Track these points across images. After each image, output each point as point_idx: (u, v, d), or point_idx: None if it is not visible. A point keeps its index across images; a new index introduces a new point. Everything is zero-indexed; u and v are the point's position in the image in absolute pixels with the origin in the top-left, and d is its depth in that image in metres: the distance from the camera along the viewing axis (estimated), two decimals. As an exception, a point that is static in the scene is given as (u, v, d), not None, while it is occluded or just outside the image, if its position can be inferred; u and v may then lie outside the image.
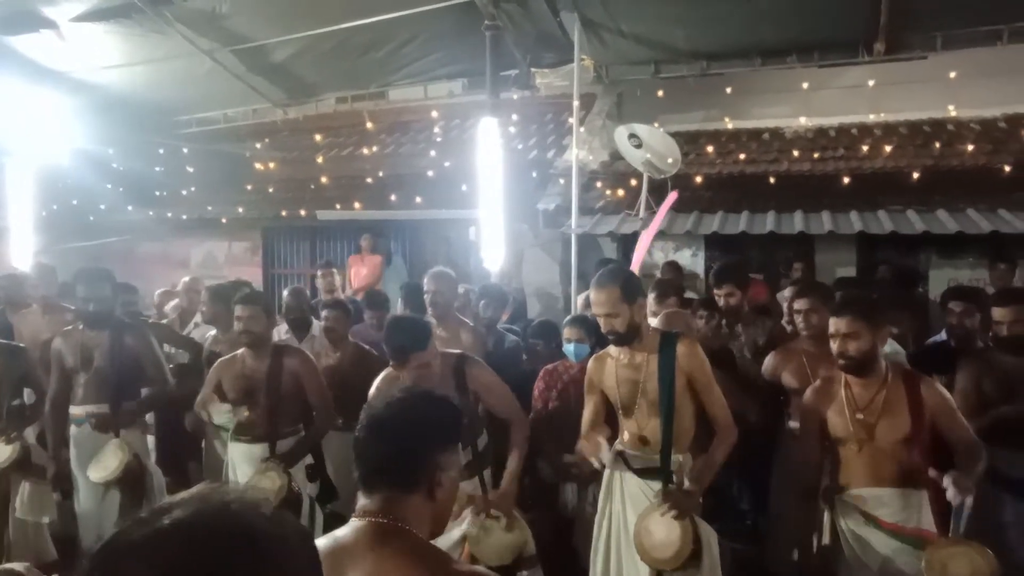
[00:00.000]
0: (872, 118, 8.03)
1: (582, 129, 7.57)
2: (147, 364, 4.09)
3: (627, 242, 7.42)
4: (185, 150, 9.61)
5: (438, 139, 9.26)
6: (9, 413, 4.12)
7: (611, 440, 3.18)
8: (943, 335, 4.19)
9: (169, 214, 9.31)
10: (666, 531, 2.79)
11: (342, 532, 1.53)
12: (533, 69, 7.51)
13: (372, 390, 3.25)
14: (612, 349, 3.11)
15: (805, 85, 8.02)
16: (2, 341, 4.33)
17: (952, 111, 7.77)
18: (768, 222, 6.63)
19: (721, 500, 3.60)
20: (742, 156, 7.81)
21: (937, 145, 7.34)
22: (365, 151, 9.29)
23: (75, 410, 4.05)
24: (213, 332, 4.81)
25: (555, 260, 7.51)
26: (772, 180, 7.25)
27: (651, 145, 6.95)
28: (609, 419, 3.17)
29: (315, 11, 6.63)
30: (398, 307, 5.46)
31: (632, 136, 7.00)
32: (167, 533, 0.79)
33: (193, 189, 9.56)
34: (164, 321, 5.61)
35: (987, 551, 2.49)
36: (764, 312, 4.80)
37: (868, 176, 7.05)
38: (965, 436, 2.78)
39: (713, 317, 4.23)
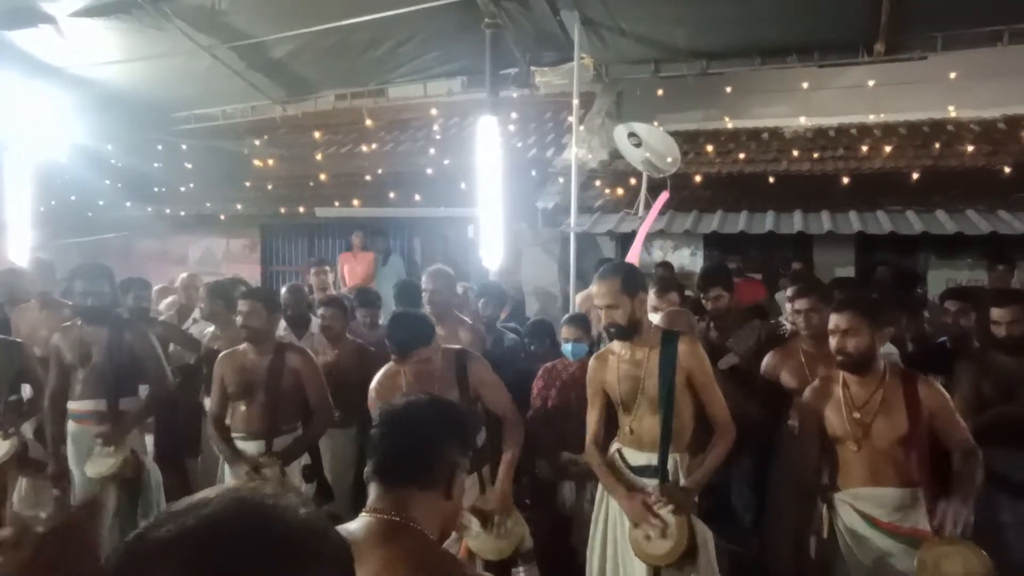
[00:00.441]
0: (872, 118, 8.04)
1: (581, 128, 7.57)
2: (146, 360, 4.08)
3: (626, 241, 7.42)
4: (184, 147, 9.59)
5: (437, 137, 9.26)
6: (7, 408, 4.11)
7: (610, 438, 3.18)
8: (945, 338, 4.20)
9: (167, 211, 9.30)
10: (661, 528, 2.79)
11: (353, 527, 1.53)
12: (533, 67, 7.49)
13: (373, 384, 3.26)
14: (614, 346, 3.11)
15: (805, 85, 8.03)
16: (0, 336, 4.32)
17: (952, 112, 7.77)
18: (767, 222, 6.64)
19: (719, 500, 3.60)
20: (741, 156, 7.81)
21: (937, 146, 7.35)
22: (364, 149, 9.28)
23: (73, 406, 4.04)
24: (211, 329, 4.80)
25: (554, 259, 7.51)
26: (771, 180, 7.26)
27: (650, 144, 6.95)
28: (609, 417, 3.17)
29: (315, 8, 6.61)
30: (393, 305, 5.45)
31: (631, 135, 7.00)
32: (198, 530, 0.77)
33: (192, 186, 9.55)
34: (161, 318, 5.59)
35: (980, 550, 2.49)
36: (761, 313, 4.80)
37: (867, 176, 7.06)
38: (962, 439, 2.77)
39: (701, 319, 4.24)
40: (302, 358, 3.81)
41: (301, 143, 9.83)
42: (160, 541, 0.77)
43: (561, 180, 7.40)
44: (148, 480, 4.01)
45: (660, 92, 8.16)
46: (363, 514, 1.55)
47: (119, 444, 3.85)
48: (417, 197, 7.99)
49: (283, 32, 7.03)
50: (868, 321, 2.78)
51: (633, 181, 7.38)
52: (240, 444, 3.80)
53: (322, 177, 8.95)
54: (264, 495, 0.83)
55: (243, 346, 3.85)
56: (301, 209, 8.56)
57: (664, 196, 6.03)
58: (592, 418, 3.15)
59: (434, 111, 9.51)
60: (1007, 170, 6.64)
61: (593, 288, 3.05)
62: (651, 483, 2.96)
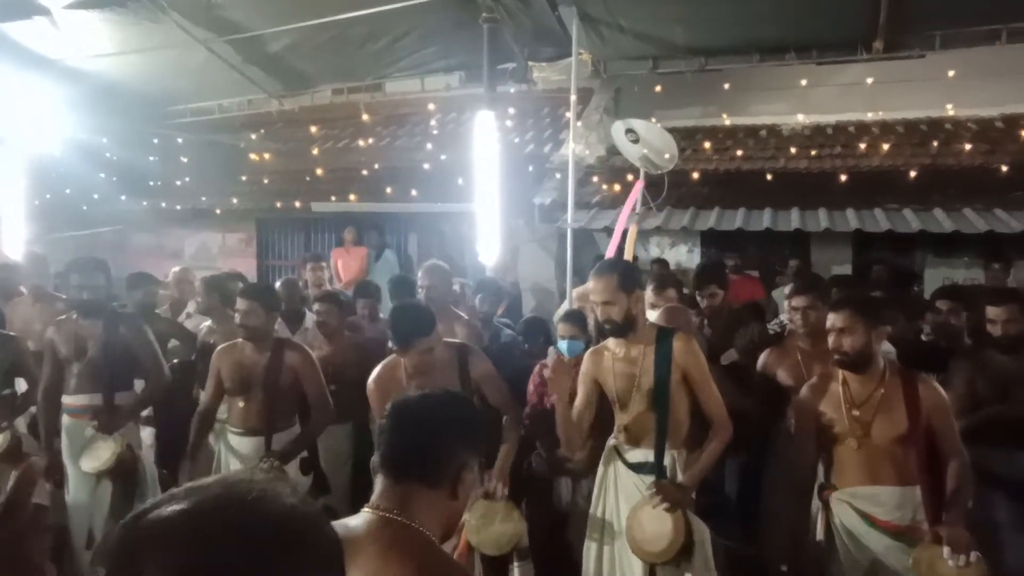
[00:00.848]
0: (870, 116, 8.04)
1: (579, 124, 7.55)
2: (142, 355, 4.06)
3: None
4: (179, 140, 9.55)
5: (434, 132, 9.24)
6: (0, 402, 4.09)
7: (606, 434, 3.17)
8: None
9: (163, 204, 9.26)
10: (658, 524, 2.79)
11: (353, 522, 1.51)
12: (531, 63, 7.47)
13: (373, 375, 3.26)
14: (610, 343, 3.11)
15: (803, 82, 8.02)
16: (-7, 330, 4.30)
17: (950, 110, 7.78)
18: (764, 219, 6.64)
19: (715, 497, 3.59)
20: (739, 153, 7.81)
21: (934, 144, 7.35)
22: (361, 143, 9.25)
23: (68, 400, 4.01)
24: (207, 323, 4.78)
25: (550, 255, 7.50)
26: (769, 177, 7.26)
27: (648, 141, 6.92)
28: (606, 414, 3.16)
29: (312, 2, 6.58)
30: (387, 301, 5.44)
31: (629, 131, 6.97)
32: (191, 516, 0.78)
33: (187, 180, 9.51)
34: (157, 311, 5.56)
35: (980, 557, 2.50)
36: (757, 310, 4.79)
37: (865, 174, 7.06)
38: (954, 446, 2.79)
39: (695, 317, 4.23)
40: (300, 356, 3.79)
41: (297, 137, 9.80)
42: (153, 525, 0.78)
43: (558, 176, 7.38)
44: (143, 474, 4.00)
45: (658, 88, 8.14)
46: (365, 510, 1.53)
47: (113, 434, 3.83)
48: (414, 192, 7.97)
49: (280, 26, 7.00)
50: (865, 320, 2.78)
51: (630, 177, 7.36)
52: (237, 440, 3.79)
53: (318, 172, 8.92)
54: (257, 484, 0.83)
55: (241, 340, 3.83)
56: (297, 204, 8.54)
57: (639, 185, 6.01)
58: (579, 402, 3.14)
59: (431, 106, 9.48)
60: (1004, 169, 6.65)
61: (589, 284, 3.04)
62: (648, 479, 2.95)
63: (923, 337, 4.33)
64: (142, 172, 9.53)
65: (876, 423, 2.79)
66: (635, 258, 6.53)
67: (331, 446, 4.38)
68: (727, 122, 8.50)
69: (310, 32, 7.00)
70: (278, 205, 8.67)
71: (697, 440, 3.04)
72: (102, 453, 3.77)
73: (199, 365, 4.59)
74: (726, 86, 8.10)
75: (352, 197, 8.23)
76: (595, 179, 7.82)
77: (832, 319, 2.85)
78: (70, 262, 4.14)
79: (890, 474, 2.77)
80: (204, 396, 3.92)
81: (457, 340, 3.47)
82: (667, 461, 2.98)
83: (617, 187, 7.54)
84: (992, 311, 3.43)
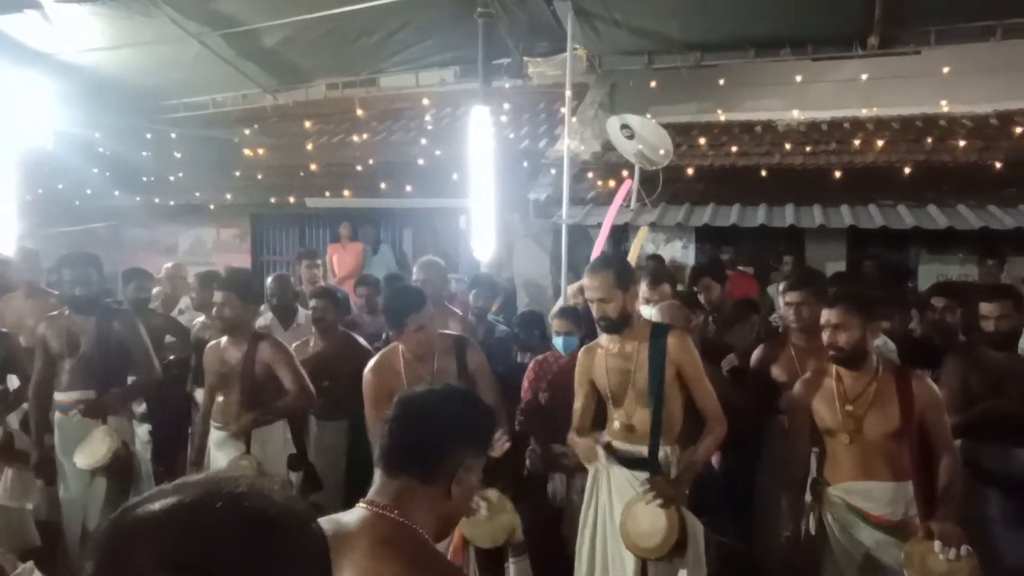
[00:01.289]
0: (865, 112, 8.04)
1: (574, 119, 7.53)
2: (134, 351, 4.04)
3: (618, 233, 7.40)
4: (173, 135, 9.50)
5: (429, 127, 9.21)
6: (-8, 399, 4.08)
7: (598, 431, 3.17)
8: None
9: (156, 200, 9.22)
10: (652, 520, 2.80)
11: (346, 517, 1.51)
12: (526, 58, 7.44)
13: (370, 363, 3.27)
14: (603, 339, 3.11)
15: (798, 78, 8.01)
16: (-15, 325, 4.28)
17: (944, 107, 7.78)
18: (759, 215, 6.63)
19: (708, 493, 3.60)
20: (734, 148, 7.80)
21: (929, 140, 7.36)
22: (355, 138, 9.23)
23: (60, 396, 3.99)
24: (201, 319, 4.76)
25: (545, 251, 7.48)
26: (764, 173, 7.25)
27: (643, 136, 6.93)
28: (598, 410, 3.16)
29: (306, -4, 6.55)
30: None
31: (624, 127, 6.98)
32: (172, 514, 0.79)
33: (181, 175, 9.46)
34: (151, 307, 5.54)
35: (971, 551, 2.51)
36: (753, 307, 4.80)
37: (860, 170, 7.06)
38: (946, 442, 2.80)
39: (696, 314, 4.22)
40: (273, 348, 3.76)
41: (292, 132, 9.76)
42: (142, 519, 0.79)
43: (553, 171, 7.37)
44: (139, 471, 3.98)
45: (653, 84, 8.13)
46: (359, 505, 1.53)
47: (99, 421, 3.83)
48: (408, 188, 7.95)
49: (274, 20, 6.96)
50: (859, 315, 2.79)
51: (625, 173, 7.36)
52: (219, 435, 3.80)
53: (313, 167, 8.89)
54: (246, 481, 0.84)
55: (224, 337, 3.83)
56: (292, 199, 8.51)
57: (627, 184, 6.01)
58: (577, 408, 3.15)
59: (426, 101, 9.45)
60: (998, 166, 6.66)
61: (584, 281, 3.04)
62: (642, 476, 2.95)
63: (913, 333, 4.35)
64: (135, 167, 9.48)
65: (869, 418, 2.80)
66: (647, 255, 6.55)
67: (325, 443, 4.38)
68: (722, 118, 8.49)
69: (304, 26, 6.97)
70: (272, 200, 8.64)
71: (689, 437, 3.04)
72: (97, 449, 3.75)
73: (193, 361, 4.58)
74: (721, 82, 8.09)
75: (347, 193, 8.20)
76: (590, 175, 7.81)
77: (827, 315, 2.85)
78: (62, 257, 4.12)
79: (883, 469, 2.78)
80: (204, 398, 3.93)
81: (456, 333, 3.49)
82: (660, 457, 2.98)
83: (612, 183, 7.52)
84: (985, 307, 3.44)
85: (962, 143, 7.14)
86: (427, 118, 9.43)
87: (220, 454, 3.78)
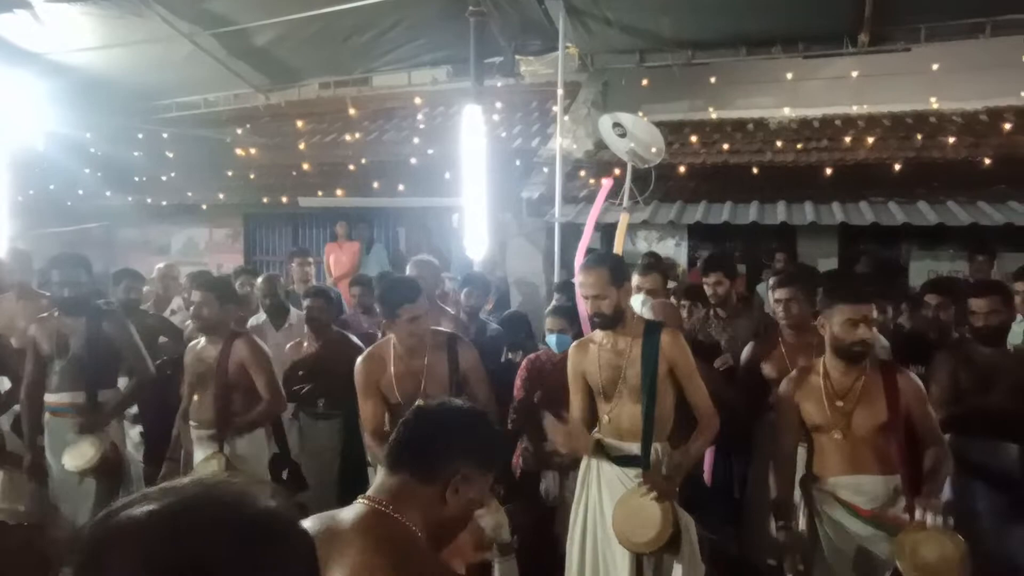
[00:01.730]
0: (855, 110, 8.07)
1: (566, 117, 7.55)
2: (126, 352, 4.03)
3: (610, 231, 7.41)
4: (165, 135, 9.48)
5: (421, 126, 9.21)
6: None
7: (589, 429, 3.18)
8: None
9: (149, 200, 9.19)
10: (646, 514, 2.80)
11: (343, 513, 1.54)
12: (518, 56, 7.46)
13: (362, 356, 3.29)
14: (595, 334, 3.12)
15: (789, 76, 8.04)
16: (-24, 328, 4.26)
17: (934, 103, 7.82)
18: (751, 212, 6.65)
19: (698, 490, 3.61)
20: (726, 146, 7.82)
21: (919, 137, 7.39)
22: (348, 138, 9.21)
23: (50, 398, 3.97)
24: (193, 319, 4.75)
25: (539, 249, 7.49)
26: (755, 170, 7.27)
27: (635, 134, 6.92)
28: (590, 408, 3.17)
29: (297, -6, 6.54)
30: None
31: (616, 125, 6.96)
32: (154, 518, 0.79)
33: (173, 175, 9.44)
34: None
35: (957, 536, 2.54)
36: (746, 303, 4.82)
37: (851, 167, 7.09)
38: (934, 433, 2.83)
39: (697, 308, 4.24)
40: (248, 347, 3.77)
41: (284, 132, 9.74)
42: (124, 523, 0.79)
43: (546, 170, 7.38)
44: (128, 473, 3.98)
45: (645, 82, 8.15)
46: (358, 500, 1.56)
47: (97, 433, 3.81)
48: (401, 187, 7.94)
49: (266, 19, 6.95)
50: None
51: (618, 171, 7.37)
52: (195, 433, 3.82)
53: (305, 166, 8.88)
54: (230, 484, 0.85)
55: (203, 337, 3.87)
56: (284, 199, 8.49)
57: (608, 184, 6.01)
58: (575, 405, 3.16)
59: (418, 100, 9.45)
60: (988, 162, 6.69)
61: (579, 278, 3.05)
62: (633, 472, 2.96)
63: (903, 328, 4.37)
64: (127, 167, 9.45)
65: (857, 413, 2.82)
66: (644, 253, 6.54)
67: (319, 442, 4.38)
68: (714, 115, 8.51)
69: (297, 25, 6.96)
70: (265, 200, 8.62)
71: (678, 434, 3.05)
72: (85, 451, 3.74)
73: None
74: (713, 80, 8.11)
75: (339, 192, 8.20)
76: (583, 173, 7.81)
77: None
78: (51, 259, 4.10)
79: (872, 464, 2.80)
80: (183, 397, 3.93)
81: (449, 330, 3.50)
82: (652, 453, 2.99)
83: (605, 181, 7.54)
84: (976, 303, 3.44)
85: (952, 139, 7.18)
86: (419, 117, 9.42)
87: (199, 453, 3.80)
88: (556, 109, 6.57)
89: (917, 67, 7.31)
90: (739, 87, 8.27)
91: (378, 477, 1.61)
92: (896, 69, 7.44)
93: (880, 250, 6.93)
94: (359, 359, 3.28)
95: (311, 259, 6.25)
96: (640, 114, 7.42)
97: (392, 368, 3.18)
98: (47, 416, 3.98)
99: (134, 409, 4.59)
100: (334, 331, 4.58)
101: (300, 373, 4.40)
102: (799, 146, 7.60)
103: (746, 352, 3.81)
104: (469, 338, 4.27)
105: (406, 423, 1.64)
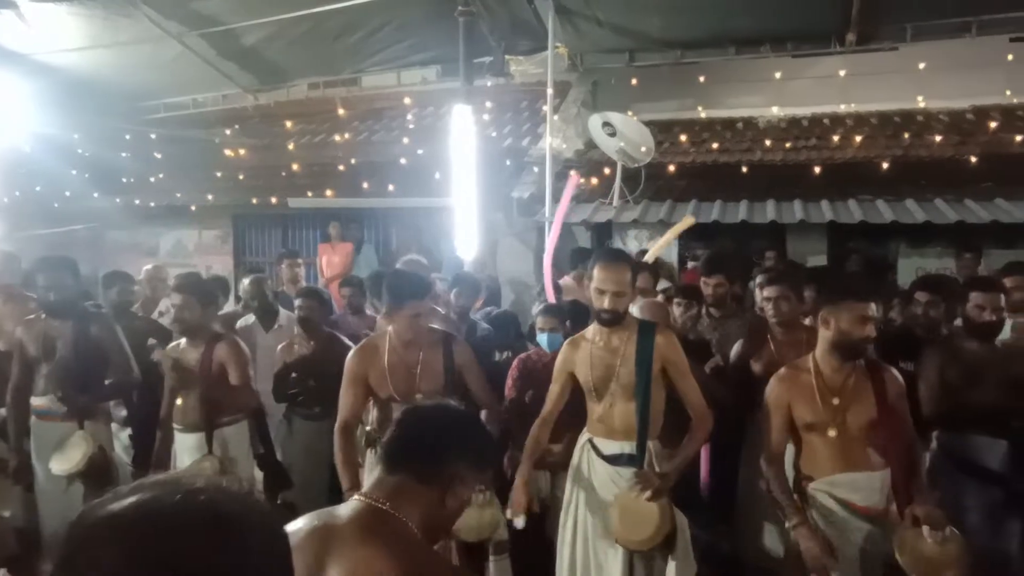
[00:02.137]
0: (843, 108, 8.12)
1: (556, 117, 7.55)
2: (112, 354, 4.00)
3: (601, 230, 7.43)
4: (153, 136, 9.42)
5: (411, 126, 9.19)
6: (-31, 404, 4.02)
7: (578, 429, 3.18)
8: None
9: (137, 201, 9.13)
10: (643, 512, 2.81)
11: (341, 509, 1.55)
12: (507, 56, 7.46)
13: (356, 346, 3.30)
14: (589, 331, 3.12)
15: (778, 75, 8.08)
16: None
17: (921, 102, 7.88)
18: (740, 211, 6.68)
19: (691, 490, 3.62)
20: (715, 145, 7.85)
21: (906, 136, 7.44)
22: (337, 138, 9.19)
23: (36, 401, 3.94)
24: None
25: (529, 248, 7.49)
26: (745, 169, 7.30)
27: (625, 134, 6.95)
28: (580, 407, 3.16)
29: (285, -6, 6.51)
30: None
31: (606, 124, 6.99)
32: (132, 513, 0.80)
33: (161, 176, 9.39)
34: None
35: (955, 531, 2.56)
36: (739, 303, 4.82)
37: (839, 166, 7.13)
38: (909, 428, 2.87)
39: (692, 307, 4.23)
40: (228, 349, 3.79)
41: (273, 132, 9.70)
42: (100, 521, 0.80)
43: (536, 170, 7.38)
44: (116, 476, 3.94)
45: (635, 82, 8.17)
46: (355, 497, 1.57)
47: (77, 424, 3.80)
48: (391, 187, 7.93)
49: (255, 19, 6.92)
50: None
51: (608, 171, 7.38)
52: (179, 436, 3.81)
53: (295, 167, 8.85)
54: (204, 480, 0.86)
55: (185, 339, 3.86)
56: (274, 199, 8.45)
57: (574, 180, 6.00)
58: (552, 395, 3.16)
59: (408, 100, 9.44)
60: (974, 160, 6.75)
61: (599, 273, 2.97)
62: (625, 471, 2.96)
63: (892, 324, 4.38)
64: (115, 168, 9.39)
65: (850, 411, 2.83)
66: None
67: (311, 444, 4.36)
68: (703, 115, 8.54)
69: (285, 25, 6.94)
70: (254, 201, 8.58)
71: (670, 432, 3.06)
72: (73, 454, 3.72)
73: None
74: (702, 79, 8.14)
75: (329, 192, 8.17)
76: (573, 172, 7.83)
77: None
78: (36, 261, 4.06)
79: (866, 459, 2.82)
80: (165, 400, 3.91)
81: (443, 329, 3.50)
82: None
83: (595, 180, 7.55)
84: (982, 297, 3.38)
85: (939, 138, 7.23)
86: (409, 117, 9.41)
87: (184, 455, 3.79)
88: (546, 109, 6.57)
89: (904, 66, 7.37)
90: (728, 86, 8.30)
91: (374, 475, 1.61)
92: (883, 68, 7.49)
93: (869, 248, 6.97)
94: (354, 348, 3.29)
95: (300, 260, 6.23)
96: (630, 113, 7.46)
97: (386, 359, 3.19)
98: (33, 419, 3.94)
99: (123, 412, 4.56)
100: (325, 332, 4.56)
101: (293, 375, 4.38)
102: (788, 145, 7.64)
103: (735, 350, 3.81)
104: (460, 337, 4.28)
105: (402, 423, 1.64)
